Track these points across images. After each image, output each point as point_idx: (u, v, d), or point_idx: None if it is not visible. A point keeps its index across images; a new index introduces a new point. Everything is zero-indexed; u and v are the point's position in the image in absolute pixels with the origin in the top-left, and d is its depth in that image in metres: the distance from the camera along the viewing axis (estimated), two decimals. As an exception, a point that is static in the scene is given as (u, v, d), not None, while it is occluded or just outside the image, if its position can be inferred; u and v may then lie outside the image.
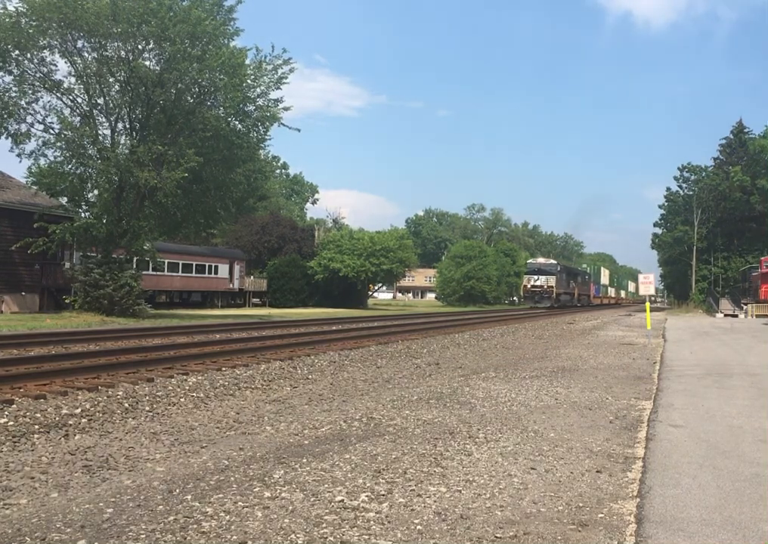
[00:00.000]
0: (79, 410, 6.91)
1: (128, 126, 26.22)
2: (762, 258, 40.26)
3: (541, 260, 59.92)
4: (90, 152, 25.09)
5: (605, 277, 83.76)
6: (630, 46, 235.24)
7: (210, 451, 5.59)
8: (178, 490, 4.44)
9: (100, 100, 25.31)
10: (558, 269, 55.93)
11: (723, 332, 23.68)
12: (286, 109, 27.03)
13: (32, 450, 5.56)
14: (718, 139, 71.76)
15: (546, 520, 3.99)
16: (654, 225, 76.04)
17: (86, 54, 24.69)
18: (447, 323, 24.61)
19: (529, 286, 54.61)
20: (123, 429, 6.42)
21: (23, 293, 27.15)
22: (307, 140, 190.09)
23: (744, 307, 41.22)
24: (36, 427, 6.22)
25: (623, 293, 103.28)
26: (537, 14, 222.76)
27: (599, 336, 21.19)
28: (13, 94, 23.90)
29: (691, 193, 68.73)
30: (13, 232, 25.93)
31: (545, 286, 53.19)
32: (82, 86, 24.77)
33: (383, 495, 4.39)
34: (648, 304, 22.94)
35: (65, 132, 24.27)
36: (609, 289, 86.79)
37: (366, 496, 4.36)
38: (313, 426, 6.56)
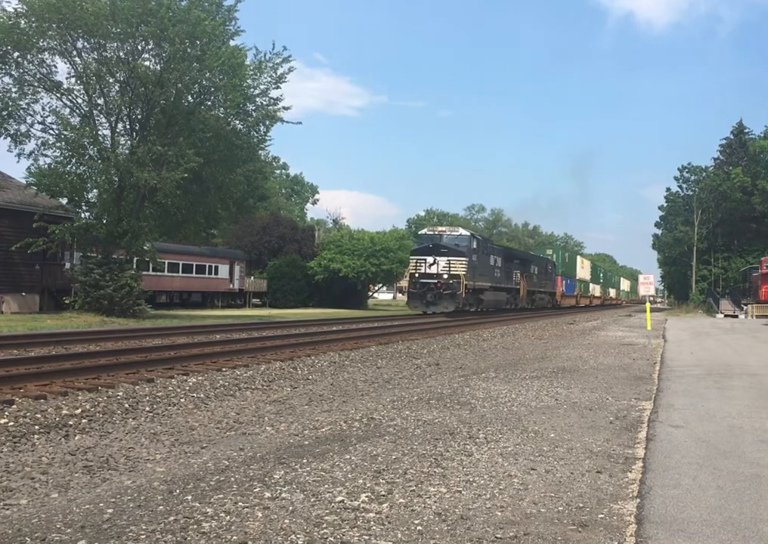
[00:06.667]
0: (79, 411, 6.92)
1: (128, 126, 26.23)
2: (762, 259, 40.20)
3: (442, 228, 34.48)
4: (90, 152, 25.11)
5: (583, 270, 62.34)
6: (632, 46, 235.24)
7: (210, 451, 5.59)
8: (178, 491, 4.44)
9: (100, 101, 25.32)
10: (475, 246, 32.33)
11: (724, 332, 23.67)
12: (285, 108, 27.12)
13: (33, 451, 5.56)
14: (718, 139, 72.05)
15: (546, 520, 3.99)
16: (655, 225, 76.31)
17: (85, 55, 24.71)
18: (448, 324, 24.60)
19: (417, 276, 31.11)
20: (123, 429, 6.42)
21: (23, 293, 27.14)
22: (307, 140, 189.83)
23: (745, 307, 41.22)
24: (36, 427, 6.22)
25: (612, 292, 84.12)
26: (539, 14, 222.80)
27: (599, 336, 21.17)
28: (13, 95, 23.93)
29: (691, 193, 68.85)
30: (13, 232, 25.90)
31: (445, 276, 30.20)
32: (81, 87, 24.78)
33: (383, 495, 4.39)
34: (648, 304, 22.96)
35: (65, 133, 24.27)
36: (592, 285, 67.06)
37: (367, 496, 4.36)
38: (313, 426, 6.55)
